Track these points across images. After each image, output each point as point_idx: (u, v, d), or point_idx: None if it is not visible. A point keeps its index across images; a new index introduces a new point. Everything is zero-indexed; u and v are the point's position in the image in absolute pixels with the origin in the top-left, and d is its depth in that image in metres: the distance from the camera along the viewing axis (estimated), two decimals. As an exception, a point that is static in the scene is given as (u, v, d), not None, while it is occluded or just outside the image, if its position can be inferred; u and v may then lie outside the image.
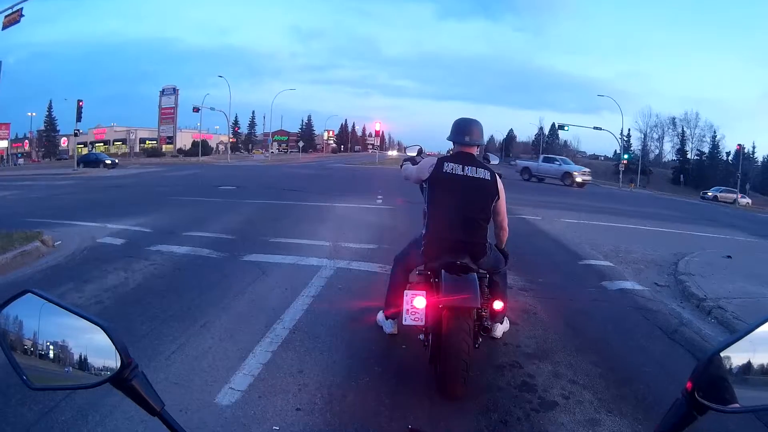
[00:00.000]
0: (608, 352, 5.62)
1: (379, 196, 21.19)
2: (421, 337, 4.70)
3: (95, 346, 1.36)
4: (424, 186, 4.99)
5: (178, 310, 6.32)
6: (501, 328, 5.43)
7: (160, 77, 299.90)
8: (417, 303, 4.42)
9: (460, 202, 4.70)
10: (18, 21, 26.72)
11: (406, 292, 4.58)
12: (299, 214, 15.74)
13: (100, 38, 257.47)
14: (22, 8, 26.60)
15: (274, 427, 3.75)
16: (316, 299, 6.90)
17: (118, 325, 5.66)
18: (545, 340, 5.78)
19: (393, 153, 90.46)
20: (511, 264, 5.99)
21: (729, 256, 11.61)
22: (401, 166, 5.65)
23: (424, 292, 4.47)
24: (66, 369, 1.37)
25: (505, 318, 5.58)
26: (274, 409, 4.01)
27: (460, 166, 4.74)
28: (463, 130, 4.96)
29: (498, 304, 4.78)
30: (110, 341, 1.32)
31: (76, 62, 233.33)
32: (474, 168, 4.75)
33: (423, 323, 4.46)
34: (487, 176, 4.77)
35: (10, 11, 26.62)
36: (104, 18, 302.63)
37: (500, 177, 4.94)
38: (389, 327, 5.34)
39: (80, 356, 1.38)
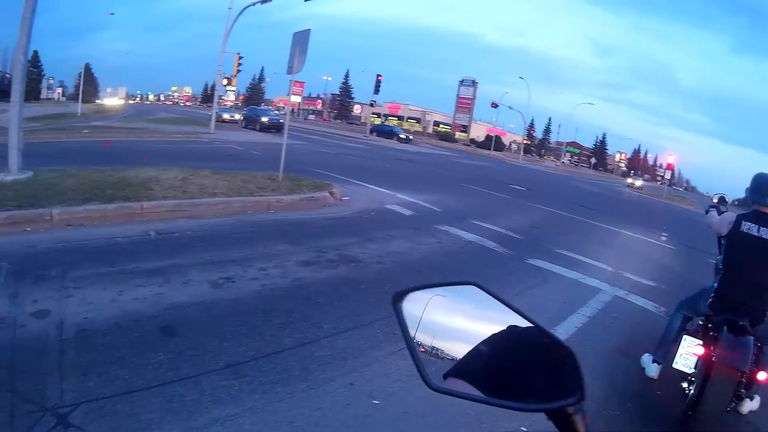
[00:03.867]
0: None
1: (664, 233, 20.16)
2: (684, 384, 4.64)
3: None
4: (722, 241, 4.91)
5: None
6: (749, 405, 4.91)
7: (457, 67, 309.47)
8: (693, 349, 4.45)
9: (753, 263, 4.51)
10: None
11: (684, 337, 4.60)
12: (585, 231, 15.58)
13: (399, 21, 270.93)
14: None
15: (522, 428, 3.83)
16: (591, 320, 6.85)
17: (395, 288, 5.93)
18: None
19: (637, 183, 75.39)
20: None
21: None
22: (706, 212, 5.47)
23: (701, 343, 4.46)
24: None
25: (757, 396, 5.02)
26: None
27: (756, 226, 4.51)
28: (763, 189, 4.65)
29: (762, 375, 4.54)
30: (576, 366, 1.17)
31: (371, 39, 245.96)
32: None
33: (691, 371, 4.47)
34: None
35: None
36: (401, 3, 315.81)
37: None
38: (652, 370, 5.20)
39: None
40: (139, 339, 4.31)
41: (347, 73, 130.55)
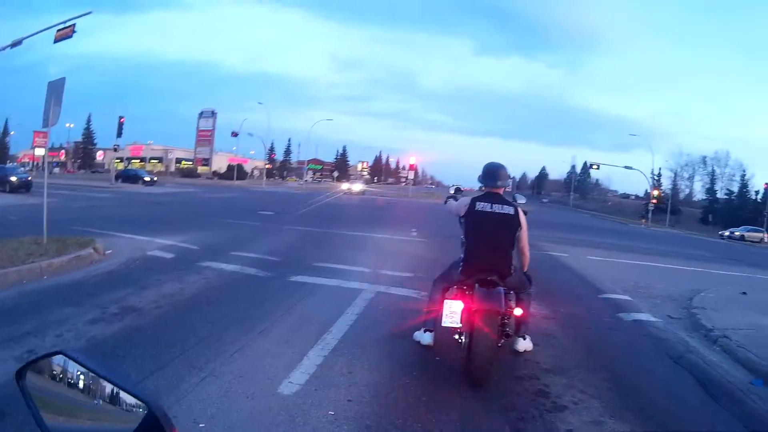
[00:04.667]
0: (617, 371, 6.29)
1: (413, 229, 22.24)
2: (457, 336, 5.69)
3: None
4: (462, 220, 6.07)
5: (235, 318, 7.08)
6: (523, 345, 6.29)
7: (199, 98, 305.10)
8: (455, 308, 5.46)
9: (489, 232, 5.80)
10: (70, 36, 27.05)
11: (445, 302, 5.59)
12: (339, 241, 16.65)
13: (140, 56, 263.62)
14: (75, 24, 27.18)
15: (330, 412, 4.47)
16: (360, 316, 7.67)
17: (182, 328, 6.45)
18: (561, 359, 6.45)
19: (355, 187, 71.34)
20: (537, 295, 7.16)
21: (744, 293, 12.18)
22: (445, 202, 6.90)
23: (461, 301, 5.49)
24: None
25: (528, 338, 6.41)
26: (328, 399, 4.74)
27: (489, 204, 5.82)
28: (492, 175, 6.05)
29: (518, 311, 5.84)
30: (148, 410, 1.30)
31: (114, 78, 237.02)
32: (501, 205, 5.81)
33: (459, 325, 5.47)
34: (512, 211, 5.83)
35: (63, 26, 27.23)
36: (143, 37, 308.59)
37: (525, 213, 6.01)
38: (427, 339, 6.12)
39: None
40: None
41: (89, 117, 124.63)
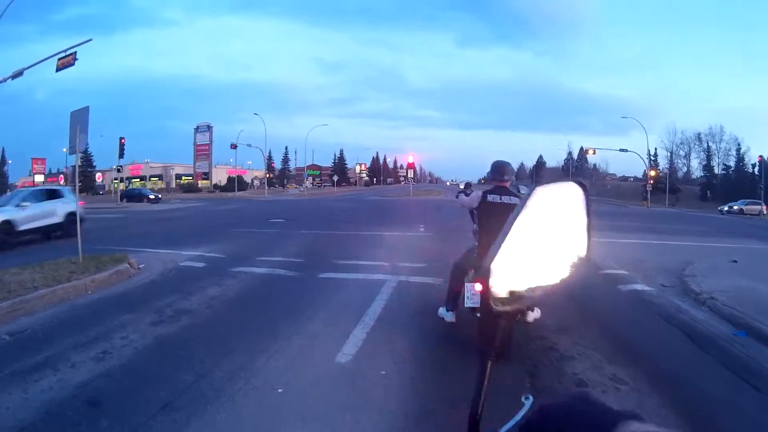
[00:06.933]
0: (614, 330, 7.34)
1: (421, 226, 23.38)
2: (478, 315, 6.58)
3: None
4: (475, 212, 7.15)
5: (281, 311, 8.09)
6: (533, 315, 7.29)
7: (191, 113, 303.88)
8: (476, 289, 6.33)
9: (500, 221, 6.59)
10: (72, 64, 26.83)
11: (465, 284, 6.59)
12: (352, 241, 17.64)
13: (128, 76, 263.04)
14: (76, 52, 27.21)
15: (381, 372, 5.54)
16: (389, 301, 8.74)
17: (237, 321, 7.37)
18: (566, 324, 7.48)
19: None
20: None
21: (735, 261, 13.09)
22: (457, 197, 7.83)
23: (480, 284, 6.35)
24: None
25: (537, 309, 7.37)
26: (377, 363, 5.82)
27: (498, 196, 6.73)
28: (499, 171, 6.93)
29: None
30: None
31: (105, 99, 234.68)
32: (508, 197, 6.71)
33: (478, 305, 6.37)
34: (517, 202, 6.62)
35: (64, 54, 27.29)
36: (130, 56, 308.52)
37: None
38: (449, 317, 7.20)
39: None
40: (75, 418, 4.64)
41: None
